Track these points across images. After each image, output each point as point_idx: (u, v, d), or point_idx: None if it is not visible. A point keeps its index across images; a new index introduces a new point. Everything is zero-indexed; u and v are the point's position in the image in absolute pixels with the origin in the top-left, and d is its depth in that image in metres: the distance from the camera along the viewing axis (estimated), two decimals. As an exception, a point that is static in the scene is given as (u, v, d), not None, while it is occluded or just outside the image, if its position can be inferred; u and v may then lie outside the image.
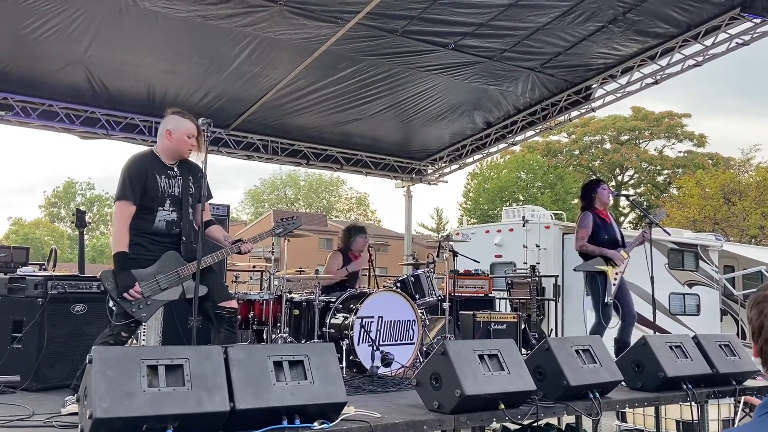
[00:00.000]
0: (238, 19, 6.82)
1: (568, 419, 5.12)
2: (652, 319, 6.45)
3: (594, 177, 30.54)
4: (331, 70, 8.17)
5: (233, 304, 4.01)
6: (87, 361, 2.75)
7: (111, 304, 3.75)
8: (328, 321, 5.65)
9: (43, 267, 6.28)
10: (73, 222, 5.82)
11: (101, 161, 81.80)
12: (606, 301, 5.88)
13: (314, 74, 8.22)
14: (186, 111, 4.06)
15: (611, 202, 6.40)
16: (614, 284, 5.92)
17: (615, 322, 6.22)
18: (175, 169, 4.01)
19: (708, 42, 8.12)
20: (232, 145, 9.61)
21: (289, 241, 5.98)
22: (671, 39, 8.19)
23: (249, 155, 9.94)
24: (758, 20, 7.53)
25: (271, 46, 7.46)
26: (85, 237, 6.01)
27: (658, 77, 8.81)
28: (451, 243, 7.26)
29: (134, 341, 5.12)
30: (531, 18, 7.41)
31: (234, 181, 75.83)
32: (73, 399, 3.46)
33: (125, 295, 3.65)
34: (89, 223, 5.97)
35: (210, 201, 4.19)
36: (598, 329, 5.90)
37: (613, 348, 5.67)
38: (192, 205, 4.02)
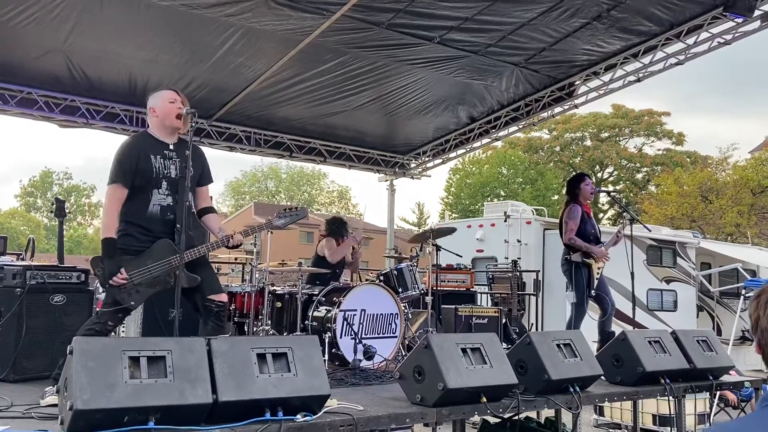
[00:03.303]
0: (222, 8, 6.75)
1: (548, 413, 5.18)
2: (631, 315, 6.53)
3: (578, 172, 30.82)
4: (315, 62, 8.12)
5: (223, 297, 3.95)
6: (68, 352, 2.72)
7: (100, 291, 3.70)
8: (310, 314, 5.64)
9: (21, 257, 6.18)
10: (51, 212, 5.73)
11: (79, 150, 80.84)
12: (591, 293, 5.96)
13: (299, 66, 8.17)
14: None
15: (593, 198, 6.49)
16: (597, 278, 6.01)
17: (595, 315, 6.30)
18: (172, 147, 3.90)
19: (690, 41, 8.21)
20: (215, 136, 9.52)
21: (272, 233, 5.94)
22: (654, 37, 8.25)
23: (231, 147, 9.85)
24: (740, 20, 7.62)
25: (256, 36, 7.39)
26: (64, 227, 5.92)
27: (641, 75, 8.89)
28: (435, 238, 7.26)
29: (113, 332, 5.07)
30: (516, 13, 7.43)
31: (215, 172, 74.74)
32: (53, 390, 3.42)
33: (111, 281, 3.60)
34: (68, 212, 5.88)
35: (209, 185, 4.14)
36: (577, 318, 5.96)
37: (591, 340, 5.74)
38: (192, 189, 3.91)
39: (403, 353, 5.61)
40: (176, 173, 3.86)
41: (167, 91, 3.97)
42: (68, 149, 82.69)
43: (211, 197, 6.59)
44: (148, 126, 4.00)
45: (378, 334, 5.68)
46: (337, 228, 6.85)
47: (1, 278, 4.49)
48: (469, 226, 12.03)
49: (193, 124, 3.80)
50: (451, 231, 7.63)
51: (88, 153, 76.90)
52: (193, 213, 4.01)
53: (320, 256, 6.70)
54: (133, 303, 3.70)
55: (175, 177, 3.85)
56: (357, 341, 5.31)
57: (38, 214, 54.20)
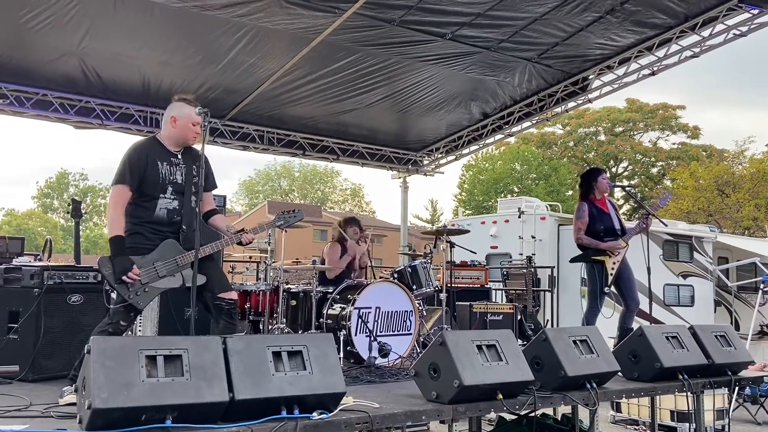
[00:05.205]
0: (234, 9, 6.76)
1: (564, 410, 5.16)
2: (648, 311, 6.47)
3: (594, 166, 30.62)
4: (327, 61, 8.12)
5: (233, 295, 3.98)
6: (85, 351, 2.74)
7: (110, 290, 3.72)
8: (325, 312, 5.65)
9: (38, 257, 6.24)
10: (67, 212, 5.78)
11: (94, 152, 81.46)
12: (605, 290, 5.89)
13: (311, 64, 8.18)
14: (193, 99, 4.02)
15: (608, 191, 6.41)
16: (611, 273, 5.93)
17: (609, 312, 6.23)
18: (179, 156, 3.96)
19: (705, 33, 8.09)
20: (228, 135, 9.56)
21: (286, 232, 5.96)
22: (669, 30, 8.16)
23: (245, 145, 9.89)
24: (756, 11, 7.51)
25: (267, 36, 7.41)
26: (80, 227, 5.98)
27: (656, 68, 8.79)
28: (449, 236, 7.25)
29: (129, 332, 5.12)
30: (528, 8, 7.38)
31: (228, 171, 75.38)
32: (71, 389, 3.45)
33: (124, 278, 3.62)
34: (84, 213, 5.92)
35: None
36: (591, 315, 5.91)
37: (607, 336, 5.69)
38: (195, 194, 3.96)
39: (418, 350, 5.61)
40: (182, 179, 3.92)
41: (195, 113, 3.92)
42: (84, 151, 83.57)
43: (225, 197, 6.66)
44: (160, 129, 4.04)
45: (393, 331, 5.68)
46: (344, 230, 6.79)
47: (18, 279, 4.54)
48: (483, 223, 12.00)
49: (206, 124, 3.82)
50: (464, 232, 7.61)
51: (104, 154, 77.68)
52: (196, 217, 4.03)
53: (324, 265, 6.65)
54: (141, 302, 3.72)
55: (181, 183, 3.91)
56: (372, 339, 5.31)
57: (55, 215, 54.76)
